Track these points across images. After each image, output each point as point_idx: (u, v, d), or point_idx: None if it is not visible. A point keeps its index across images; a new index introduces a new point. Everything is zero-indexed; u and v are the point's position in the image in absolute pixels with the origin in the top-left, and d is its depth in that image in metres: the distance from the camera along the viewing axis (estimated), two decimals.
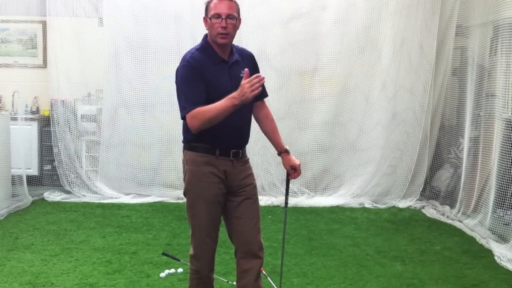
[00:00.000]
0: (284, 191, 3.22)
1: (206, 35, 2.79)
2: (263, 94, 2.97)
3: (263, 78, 2.51)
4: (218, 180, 2.76)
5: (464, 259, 4.42)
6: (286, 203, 3.21)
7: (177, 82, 2.72)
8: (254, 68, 2.88)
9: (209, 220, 2.79)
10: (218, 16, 2.66)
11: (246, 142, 2.88)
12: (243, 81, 2.50)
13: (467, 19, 5.95)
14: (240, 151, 2.82)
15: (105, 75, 6.30)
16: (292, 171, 2.94)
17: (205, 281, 2.91)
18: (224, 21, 2.65)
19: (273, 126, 3.00)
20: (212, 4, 2.69)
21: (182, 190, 2.88)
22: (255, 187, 2.90)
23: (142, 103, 6.24)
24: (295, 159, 2.95)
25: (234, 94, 2.52)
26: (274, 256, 4.28)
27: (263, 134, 3.03)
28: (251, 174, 2.90)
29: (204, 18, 2.74)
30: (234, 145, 2.79)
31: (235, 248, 2.88)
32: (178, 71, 2.73)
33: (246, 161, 2.89)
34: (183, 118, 2.67)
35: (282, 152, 2.96)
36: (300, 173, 2.97)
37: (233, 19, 2.68)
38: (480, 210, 5.19)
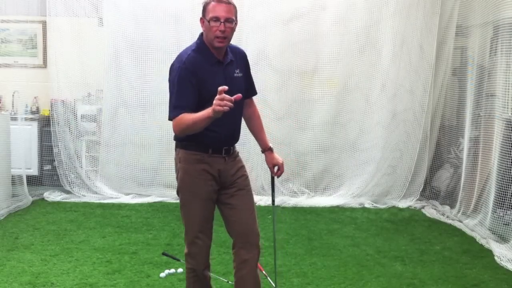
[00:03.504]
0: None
1: (201, 34, 2.75)
2: (252, 92, 2.96)
3: (233, 98, 2.34)
4: (211, 178, 2.76)
5: (464, 259, 4.42)
6: (273, 201, 3.25)
7: (170, 81, 2.72)
8: (246, 67, 2.88)
9: (202, 217, 2.80)
10: (216, 19, 2.61)
11: (238, 139, 2.89)
12: (216, 96, 2.36)
13: (467, 19, 5.95)
14: (231, 147, 2.84)
15: (105, 75, 6.30)
16: (275, 170, 2.95)
17: (201, 278, 2.91)
18: (223, 25, 2.61)
19: (259, 124, 3.00)
20: (210, 6, 2.63)
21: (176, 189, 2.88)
22: (247, 178, 2.91)
23: (142, 103, 6.24)
24: (278, 157, 2.96)
25: (212, 107, 2.40)
26: None
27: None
28: (243, 166, 2.91)
29: (201, 19, 2.69)
30: (227, 143, 2.80)
31: (233, 240, 2.87)
32: (173, 70, 2.72)
33: (237, 155, 2.90)
34: (170, 119, 2.66)
35: (266, 150, 2.97)
36: (283, 171, 2.98)
37: (231, 23, 2.64)
38: (480, 210, 5.19)
